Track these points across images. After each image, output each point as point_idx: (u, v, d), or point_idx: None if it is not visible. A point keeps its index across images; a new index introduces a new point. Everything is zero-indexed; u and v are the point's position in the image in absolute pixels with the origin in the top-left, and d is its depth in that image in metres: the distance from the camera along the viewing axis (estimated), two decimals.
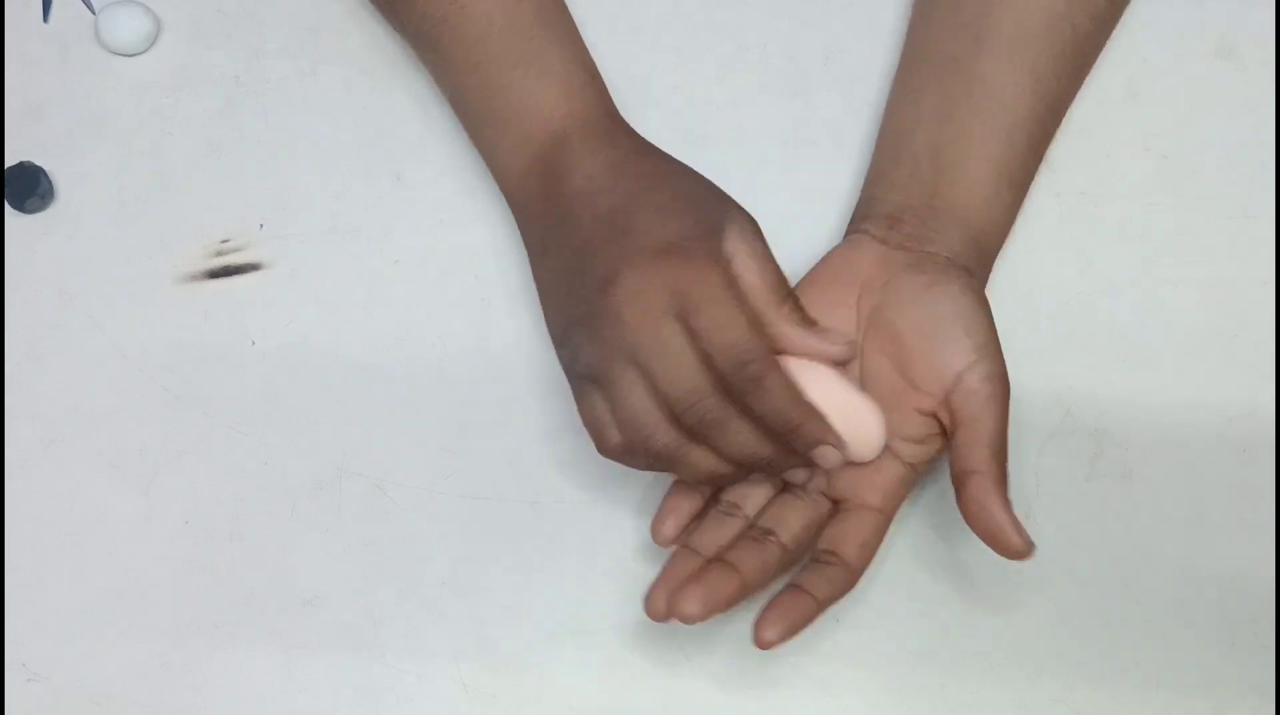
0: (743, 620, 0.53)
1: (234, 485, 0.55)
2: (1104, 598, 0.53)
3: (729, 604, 0.47)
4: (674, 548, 0.49)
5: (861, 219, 0.54)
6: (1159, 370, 0.56)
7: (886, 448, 0.49)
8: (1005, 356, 0.54)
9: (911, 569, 0.54)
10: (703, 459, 0.47)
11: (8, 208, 0.58)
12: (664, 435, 0.46)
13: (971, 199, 0.52)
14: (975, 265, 0.52)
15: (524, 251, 0.54)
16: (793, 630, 0.47)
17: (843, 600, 0.53)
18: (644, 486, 0.54)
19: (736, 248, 0.47)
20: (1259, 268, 0.57)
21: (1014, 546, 0.47)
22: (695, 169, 0.51)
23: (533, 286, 0.54)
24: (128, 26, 0.59)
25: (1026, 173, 0.54)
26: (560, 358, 0.50)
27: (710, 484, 0.50)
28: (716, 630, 0.53)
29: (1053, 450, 0.55)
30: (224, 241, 0.58)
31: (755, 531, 0.49)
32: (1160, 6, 0.59)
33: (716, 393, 0.45)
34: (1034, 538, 0.53)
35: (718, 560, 0.48)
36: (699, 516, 0.50)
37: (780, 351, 0.48)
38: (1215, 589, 0.53)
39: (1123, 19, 0.59)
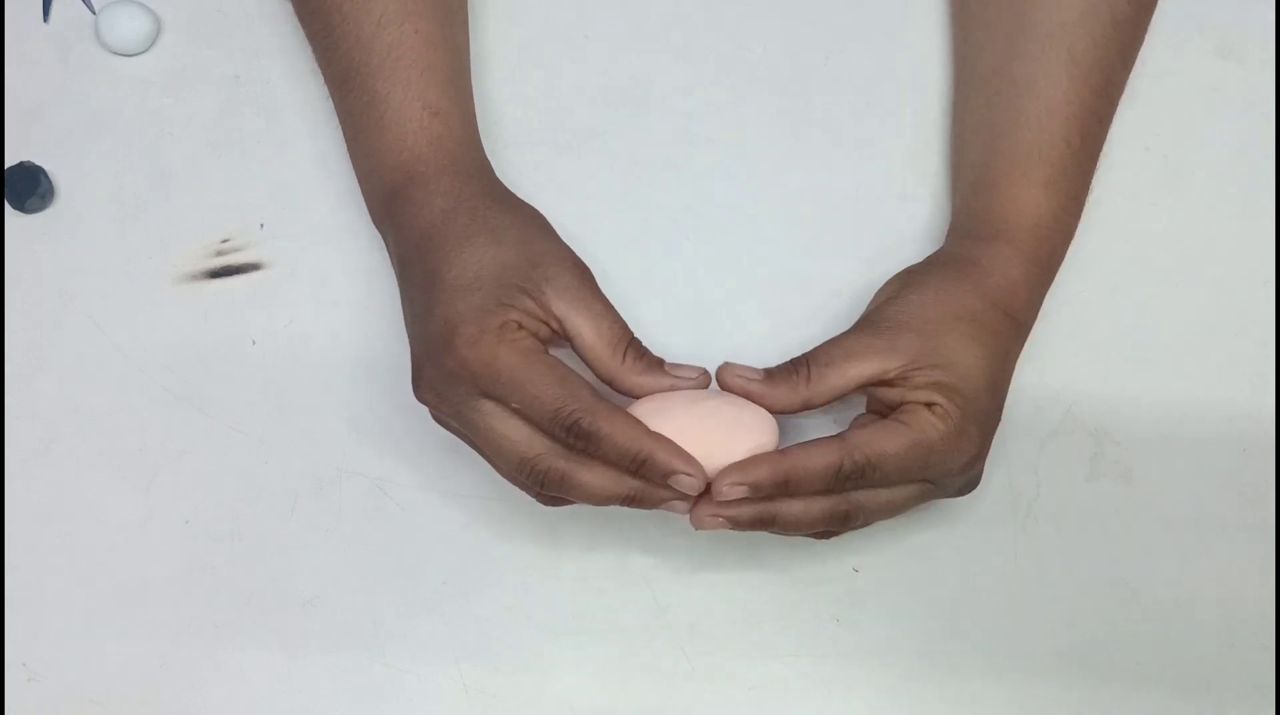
0: (743, 620, 0.53)
1: (234, 485, 0.55)
2: (1104, 598, 0.53)
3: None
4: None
5: (948, 241, 0.54)
6: (1159, 370, 0.56)
7: (898, 420, 0.47)
8: None
9: (911, 569, 0.54)
10: (581, 494, 0.47)
11: (8, 208, 0.58)
12: (533, 486, 0.47)
13: (998, 197, 0.52)
14: (999, 249, 0.51)
15: None
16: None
17: (843, 600, 0.53)
18: None
19: (564, 312, 0.47)
20: (1259, 268, 0.57)
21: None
22: (534, 211, 0.51)
23: None
24: (128, 26, 0.59)
25: (1070, 150, 0.52)
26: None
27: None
28: (717, 630, 0.53)
29: (1053, 450, 0.55)
30: (224, 241, 0.58)
31: None
32: (1160, 6, 0.58)
33: (552, 454, 0.46)
34: (1034, 536, 0.53)
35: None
36: None
37: (633, 394, 0.47)
38: (1215, 589, 0.53)
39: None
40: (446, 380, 0.46)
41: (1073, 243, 0.57)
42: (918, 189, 0.58)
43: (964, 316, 0.48)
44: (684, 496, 0.46)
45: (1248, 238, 0.57)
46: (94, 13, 0.60)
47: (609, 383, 0.47)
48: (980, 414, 0.47)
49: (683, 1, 0.60)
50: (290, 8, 0.57)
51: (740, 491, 0.45)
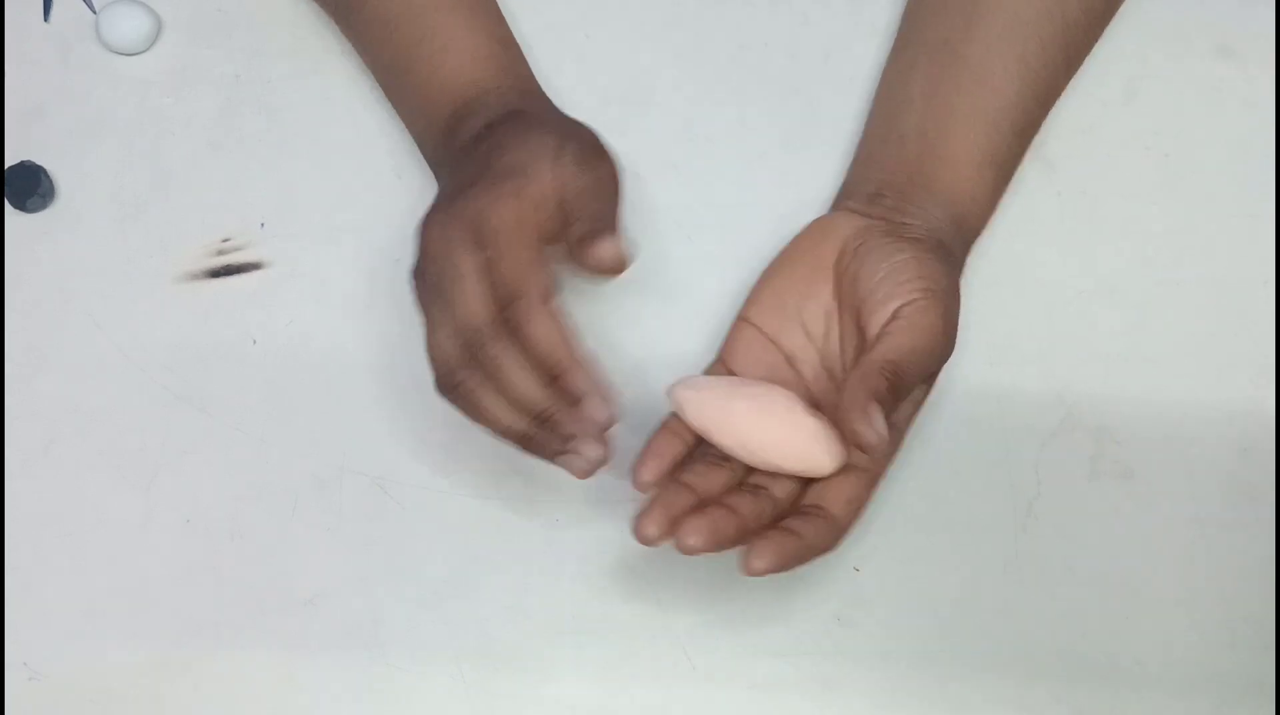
0: (743, 620, 0.53)
1: (234, 485, 0.55)
2: (1103, 597, 0.53)
3: (729, 544, 0.46)
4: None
5: (846, 196, 0.55)
6: (1159, 370, 0.56)
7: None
8: (1006, 356, 0.54)
9: (911, 568, 0.54)
10: (494, 405, 0.47)
11: (8, 207, 0.58)
12: (460, 371, 0.47)
13: (953, 179, 0.53)
14: (953, 243, 0.52)
15: None
16: (782, 564, 0.46)
17: (843, 600, 0.53)
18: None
19: (581, 209, 0.49)
20: (1259, 268, 0.57)
21: (859, 435, 0.46)
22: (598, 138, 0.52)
23: None
24: (128, 26, 0.59)
25: (1011, 157, 0.55)
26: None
27: (511, 438, 0.48)
28: (717, 630, 0.53)
29: (1053, 449, 0.55)
30: (225, 241, 0.58)
31: (747, 485, 0.49)
32: (1160, 6, 0.59)
33: (494, 323, 0.47)
34: (1034, 536, 0.53)
35: (716, 502, 0.48)
36: (682, 465, 0.50)
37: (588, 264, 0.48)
38: (1215, 589, 0.53)
39: (1123, 19, 0.59)
40: (438, 231, 0.48)
41: (1075, 242, 0.57)
42: None
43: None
44: (585, 442, 0.47)
45: (1248, 237, 0.57)
46: (94, 12, 0.60)
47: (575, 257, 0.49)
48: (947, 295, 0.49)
49: (683, 1, 0.60)
50: (290, 7, 0.57)
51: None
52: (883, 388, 0.46)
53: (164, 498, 0.55)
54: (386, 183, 0.58)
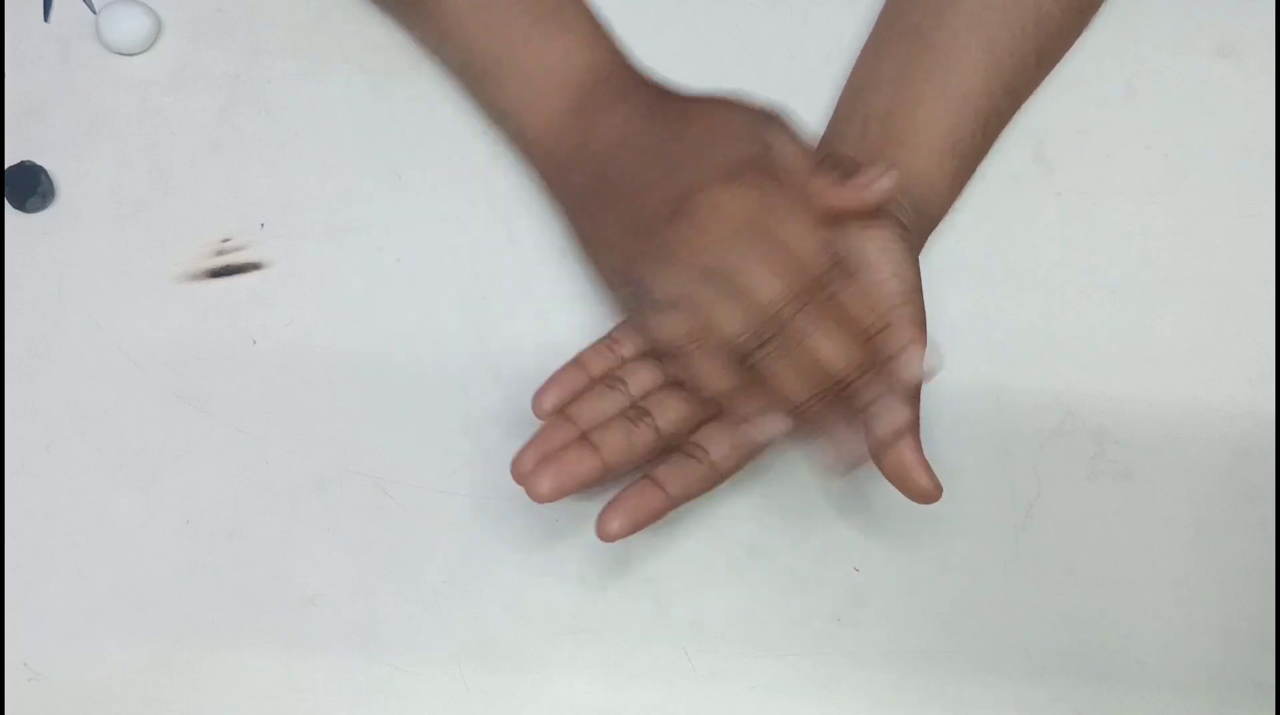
0: (743, 620, 0.53)
1: (234, 485, 0.55)
2: (1103, 598, 0.53)
3: (584, 485, 0.46)
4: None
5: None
6: (1159, 370, 0.56)
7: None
8: (1006, 356, 0.54)
9: (911, 568, 0.54)
10: (789, 375, 0.45)
11: (8, 207, 0.58)
12: (752, 342, 0.45)
13: (915, 164, 0.53)
14: (911, 227, 0.52)
15: (522, 250, 0.54)
16: (637, 525, 0.46)
17: (843, 600, 0.53)
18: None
19: (780, 145, 0.48)
20: (1259, 268, 0.57)
21: (922, 488, 0.47)
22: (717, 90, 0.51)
23: (533, 287, 0.54)
24: (128, 26, 0.59)
25: (974, 147, 0.55)
26: (622, 298, 0.50)
27: (790, 410, 0.47)
28: (717, 630, 0.53)
29: (1053, 449, 0.55)
30: (225, 241, 0.58)
31: (633, 411, 0.48)
32: (1160, 6, 0.59)
33: (797, 302, 0.45)
34: (1034, 536, 0.53)
35: (582, 439, 0.47)
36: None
37: (829, 208, 0.47)
38: (1215, 589, 0.53)
39: (1123, 19, 0.59)
40: (713, 218, 0.45)
41: (1074, 242, 0.57)
42: None
43: None
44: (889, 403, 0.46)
45: (1248, 237, 0.57)
46: (94, 12, 0.60)
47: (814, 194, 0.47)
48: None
49: (683, 1, 0.60)
50: (290, 7, 0.57)
51: None
52: (915, 417, 0.46)
53: (164, 498, 0.55)
54: (386, 183, 0.58)
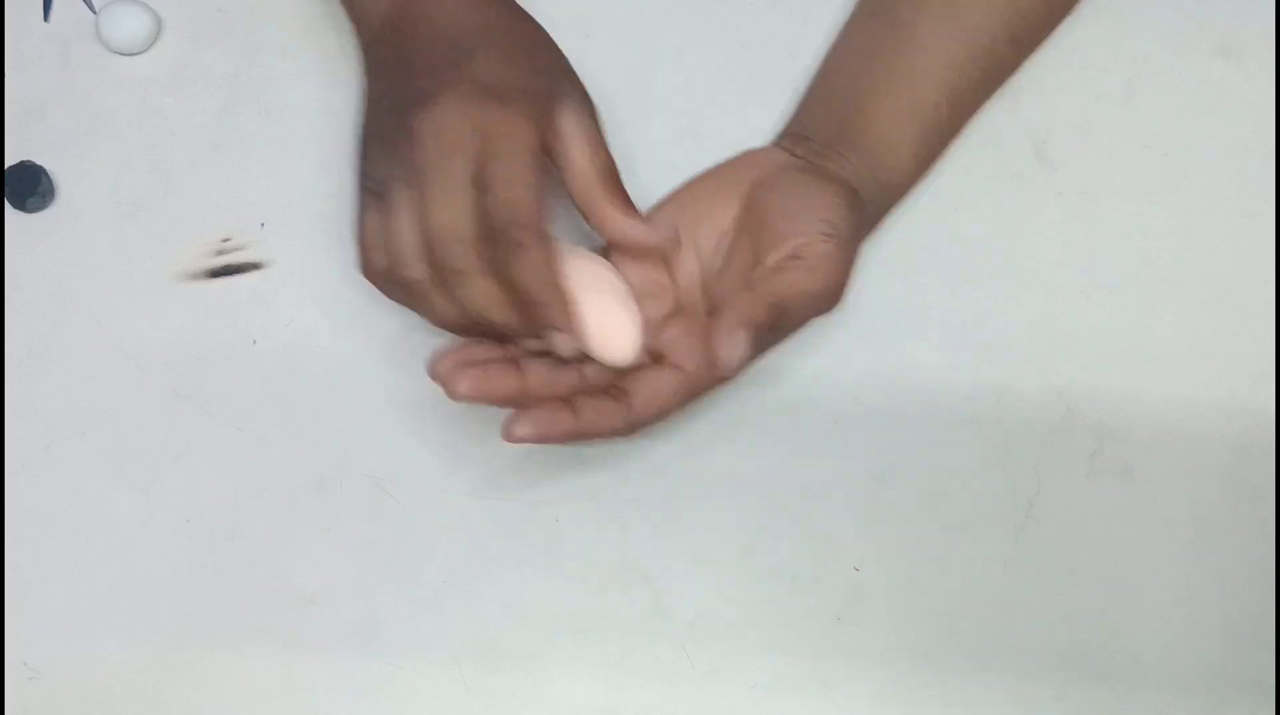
0: (743, 620, 0.53)
1: (234, 485, 0.55)
2: (1104, 597, 0.53)
3: (499, 400, 0.46)
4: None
5: (779, 138, 0.56)
6: (1159, 369, 0.56)
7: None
8: (1006, 355, 0.54)
9: (911, 567, 0.54)
10: (446, 307, 0.46)
11: (8, 207, 0.58)
12: (415, 267, 0.46)
13: (872, 131, 0.53)
14: (868, 195, 0.52)
15: None
16: (542, 437, 0.46)
17: (843, 600, 0.53)
18: (644, 486, 0.54)
19: (569, 127, 0.48)
20: (1259, 268, 0.57)
21: (717, 349, 0.46)
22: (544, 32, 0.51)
23: None
24: (128, 25, 0.59)
25: (940, 118, 0.54)
26: (354, 170, 0.49)
27: (452, 331, 0.48)
28: (717, 630, 0.53)
29: (1053, 447, 0.55)
30: (225, 240, 0.58)
31: (560, 359, 0.49)
32: (1160, 6, 0.59)
33: (475, 242, 0.45)
34: (1034, 536, 0.53)
35: (508, 360, 0.48)
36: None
37: (605, 234, 0.49)
38: (1215, 589, 0.53)
39: (1123, 19, 0.59)
40: (441, 124, 0.45)
41: (1074, 242, 0.57)
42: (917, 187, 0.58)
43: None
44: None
45: (1248, 237, 0.57)
46: (94, 12, 0.60)
47: (585, 210, 0.48)
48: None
49: (683, 1, 0.60)
50: (290, 6, 0.57)
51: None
52: (761, 319, 0.46)
53: (164, 498, 0.55)
54: None
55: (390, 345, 0.56)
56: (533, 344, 0.48)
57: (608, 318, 0.48)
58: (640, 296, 0.50)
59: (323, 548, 0.54)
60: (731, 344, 0.46)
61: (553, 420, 0.46)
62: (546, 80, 0.49)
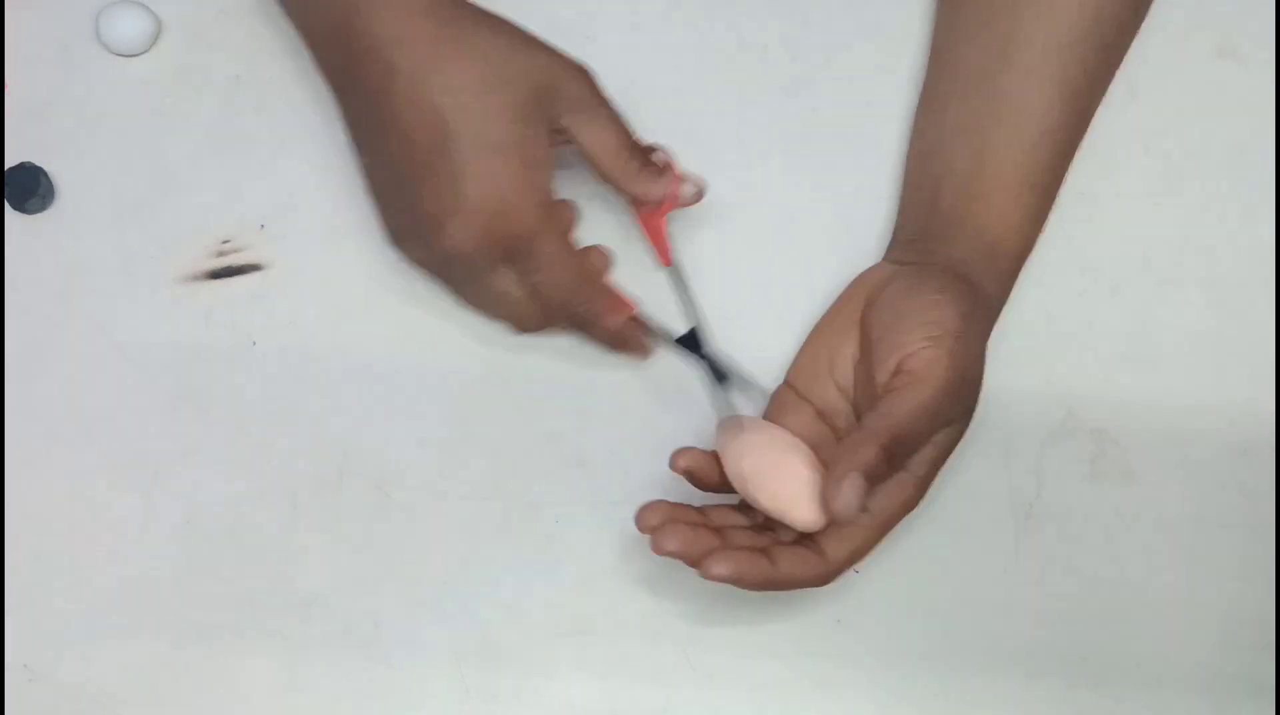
0: (743, 621, 0.53)
1: (234, 485, 0.55)
2: (1104, 597, 0.53)
3: (701, 554, 0.46)
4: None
5: (890, 248, 0.55)
6: (1159, 370, 0.56)
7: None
8: (1006, 356, 0.54)
9: (911, 569, 0.54)
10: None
11: (8, 208, 0.58)
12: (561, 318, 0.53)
13: (986, 211, 0.52)
14: (985, 272, 0.51)
15: None
16: (738, 577, 0.45)
17: (843, 601, 0.53)
18: (644, 487, 0.54)
19: (573, 124, 0.50)
20: (1259, 268, 0.57)
21: (831, 504, 0.45)
22: (506, 23, 0.50)
23: None
24: (128, 26, 0.59)
25: (1053, 177, 0.54)
26: (402, 250, 0.53)
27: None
28: (717, 630, 0.53)
29: (1054, 450, 0.55)
30: (225, 242, 0.58)
31: (759, 524, 0.49)
32: (1160, 6, 0.58)
33: (542, 317, 0.52)
34: (1034, 537, 0.53)
35: (712, 527, 0.48)
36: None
37: (638, 199, 0.52)
38: (1215, 589, 0.53)
39: None
40: (479, 242, 0.49)
41: (1075, 242, 0.57)
42: None
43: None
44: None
45: (1248, 238, 0.57)
46: None
47: (614, 186, 0.51)
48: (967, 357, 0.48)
49: (683, 1, 0.60)
50: None
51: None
52: (872, 458, 0.44)
53: (164, 498, 0.55)
54: None
55: (390, 346, 0.56)
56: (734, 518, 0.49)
57: (793, 485, 0.47)
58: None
59: (323, 549, 0.54)
60: (840, 495, 0.44)
61: (751, 563, 0.46)
62: (527, 89, 0.48)
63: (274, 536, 0.54)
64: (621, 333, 0.53)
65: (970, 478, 0.54)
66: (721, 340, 0.54)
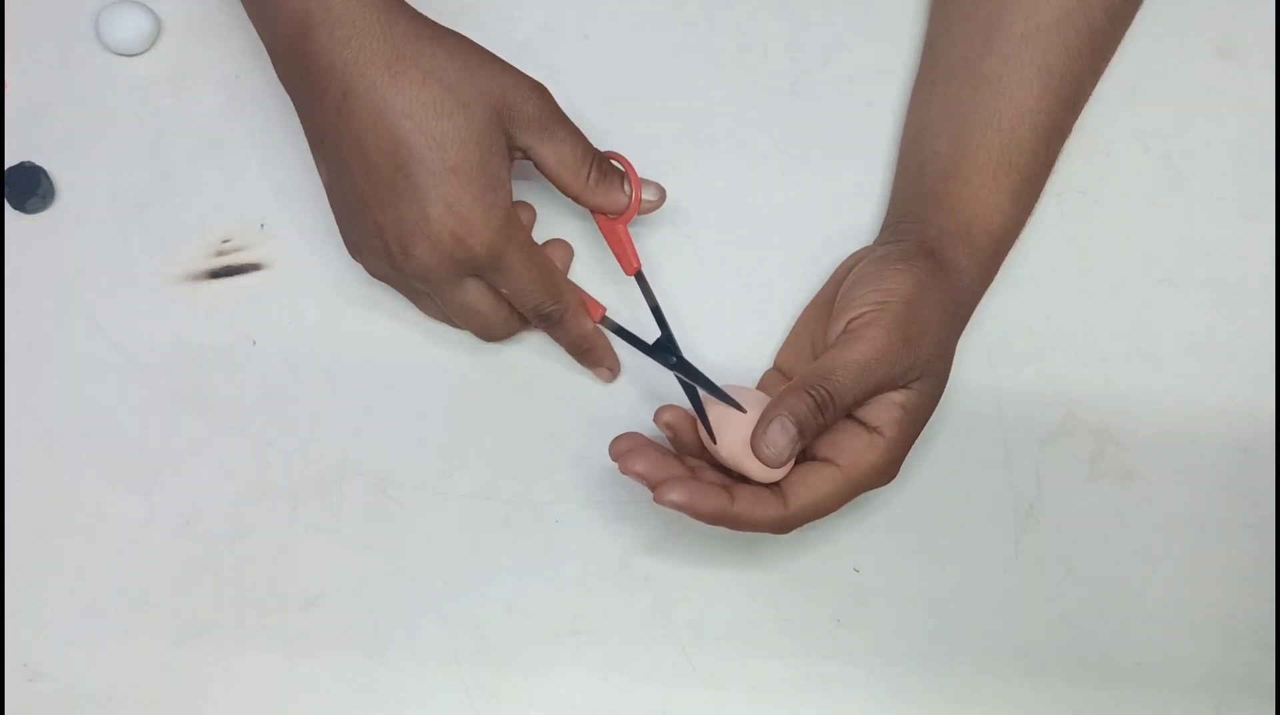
0: (743, 621, 0.53)
1: (234, 485, 0.55)
2: (1104, 597, 0.53)
3: (668, 478, 0.47)
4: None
5: (879, 233, 0.55)
6: (1159, 370, 0.56)
7: (857, 417, 0.49)
8: (1006, 356, 0.54)
9: (911, 569, 0.54)
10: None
11: (8, 208, 0.58)
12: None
13: (962, 187, 0.53)
14: (960, 248, 0.52)
15: None
16: (692, 506, 0.46)
17: (843, 600, 0.53)
18: (644, 488, 0.54)
19: (529, 143, 0.50)
20: (1259, 268, 0.57)
21: (758, 447, 0.47)
22: (463, 40, 0.50)
23: None
24: (128, 26, 0.59)
25: (1036, 161, 0.54)
26: (362, 263, 0.53)
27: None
28: (717, 630, 0.53)
29: (1054, 450, 0.55)
30: (225, 241, 0.58)
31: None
32: (1160, 6, 0.59)
33: (513, 320, 0.53)
34: (1034, 537, 0.53)
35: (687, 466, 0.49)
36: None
37: (594, 208, 0.52)
38: (1215, 589, 0.53)
39: None
40: (443, 262, 0.49)
41: (1075, 242, 0.57)
42: None
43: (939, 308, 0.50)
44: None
45: (1248, 238, 0.57)
46: None
47: (575, 200, 0.52)
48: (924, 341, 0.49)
49: (683, 1, 0.60)
50: None
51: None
52: (799, 406, 0.47)
53: (164, 498, 0.55)
54: None
55: (390, 346, 0.56)
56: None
57: (749, 434, 0.48)
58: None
59: (323, 549, 0.54)
60: (766, 435, 0.47)
61: (707, 493, 0.47)
62: (485, 110, 0.49)
63: (274, 536, 0.54)
64: (589, 337, 0.53)
65: (970, 478, 0.54)
66: (721, 340, 0.54)
